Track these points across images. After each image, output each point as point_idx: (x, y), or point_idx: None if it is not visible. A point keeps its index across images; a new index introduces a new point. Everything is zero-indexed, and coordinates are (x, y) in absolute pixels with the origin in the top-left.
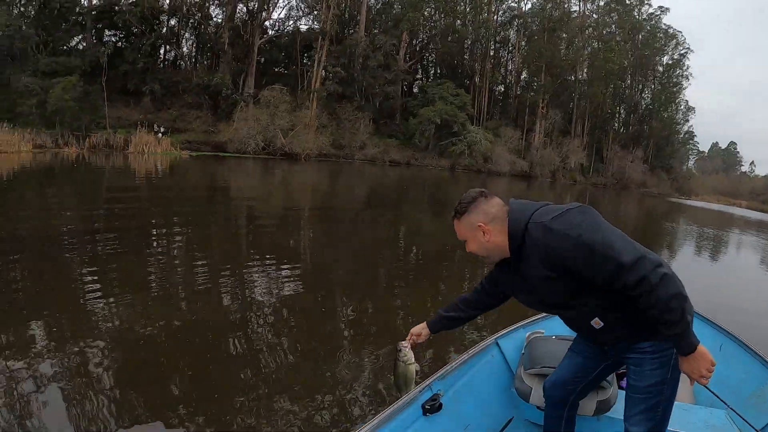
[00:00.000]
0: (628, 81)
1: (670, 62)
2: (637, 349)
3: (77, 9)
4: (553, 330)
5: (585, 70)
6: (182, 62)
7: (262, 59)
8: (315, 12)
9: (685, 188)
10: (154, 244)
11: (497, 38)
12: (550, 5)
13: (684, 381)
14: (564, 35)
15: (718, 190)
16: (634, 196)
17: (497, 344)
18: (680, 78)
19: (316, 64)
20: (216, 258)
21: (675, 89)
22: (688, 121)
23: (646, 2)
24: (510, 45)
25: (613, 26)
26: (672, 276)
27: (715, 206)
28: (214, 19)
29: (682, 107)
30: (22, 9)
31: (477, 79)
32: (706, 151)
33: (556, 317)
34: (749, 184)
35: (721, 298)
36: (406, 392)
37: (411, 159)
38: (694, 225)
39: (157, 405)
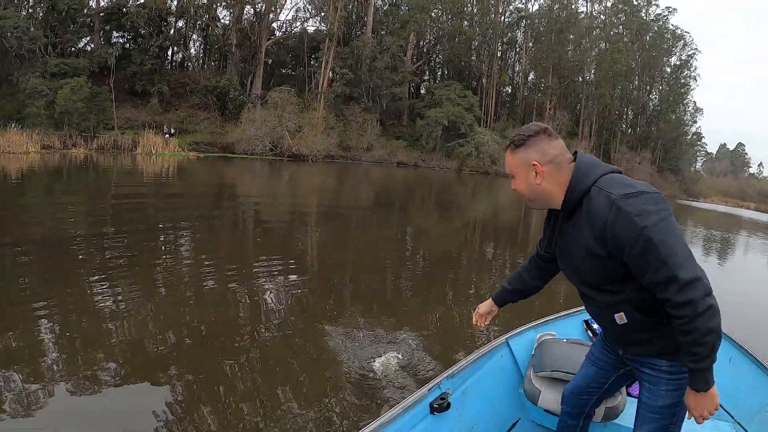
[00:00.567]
0: (636, 82)
1: (678, 63)
2: (653, 365)
3: (85, 11)
4: (564, 333)
5: (592, 71)
6: (190, 64)
7: (270, 61)
8: (322, 13)
9: (693, 190)
10: (163, 245)
11: (504, 39)
12: (557, 6)
13: None
14: (571, 36)
15: (726, 192)
16: None
17: (507, 344)
18: (688, 79)
19: (323, 66)
20: (224, 260)
21: (683, 90)
22: (696, 122)
23: (653, 3)
24: (517, 46)
25: (621, 27)
26: (717, 309)
27: (723, 208)
28: (222, 21)
29: (690, 108)
30: (30, 11)
31: (484, 81)
32: (714, 153)
33: (568, 319)
34: (757, 185)
35: (733, 307)
36: None
37: (418, 160)
38: (702, 227)
39: (167, 408)
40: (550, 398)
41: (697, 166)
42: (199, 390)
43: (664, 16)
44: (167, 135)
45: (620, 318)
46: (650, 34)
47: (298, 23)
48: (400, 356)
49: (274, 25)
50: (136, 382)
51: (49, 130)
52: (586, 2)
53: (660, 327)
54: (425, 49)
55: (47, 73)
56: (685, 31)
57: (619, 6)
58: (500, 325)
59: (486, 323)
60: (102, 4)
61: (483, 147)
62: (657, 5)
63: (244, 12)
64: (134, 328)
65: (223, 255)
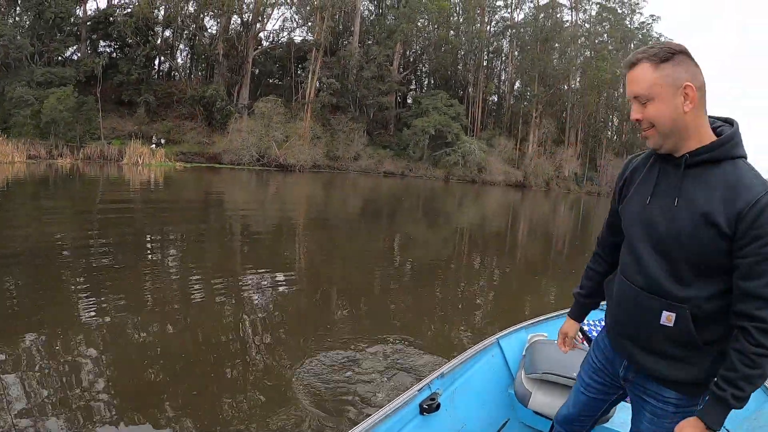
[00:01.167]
0: (621, 89)
1: None
2: (661, 396)
3: (72, 19)
4: (555, 334)
5: (578, 79)
6: (177, 73)
7: (257, 71)
8: (309, 23)
9: None
10: (149, 256)
11: (490, 49)
12: (542, 15)
13: None
14: (556, 45)
15: None
16: None
17: (498, 344)
18: None
19: (310, 76)
20: (211, 270)
21: None
22: None
23: (637, 11)
24: (503, 55)
25: (605, 35)
26: None
27: None
28: (209, 31)
29: None
30: (16, 19)
31: (470, 90)
32: None
33: (559, 320)
34: None
35: None
36: None
37: (405, 170)
38: None
39: (153, 419)
40: (541, 400)
41: None
42: (188, 409)
43: (648, 24)
44: (154, 145)
45: (668, 319)
46: (634, 42)
47: (285, 33)
48: (390, 358)
49: (261, 35)
50: (122, 395)
51: (35, 140)
52: (571, 11)
53: (699, 350)
54: (412, 59)
55: (33, 82)
56: (670, 39)
57: (604, 15)
58: (491, 325)
59: (572, 346)
60: (89, 12)
61: (470, 156)
62: (641, 13)
63: (231, 22)
64: (120, 343)
65: (211, 266)
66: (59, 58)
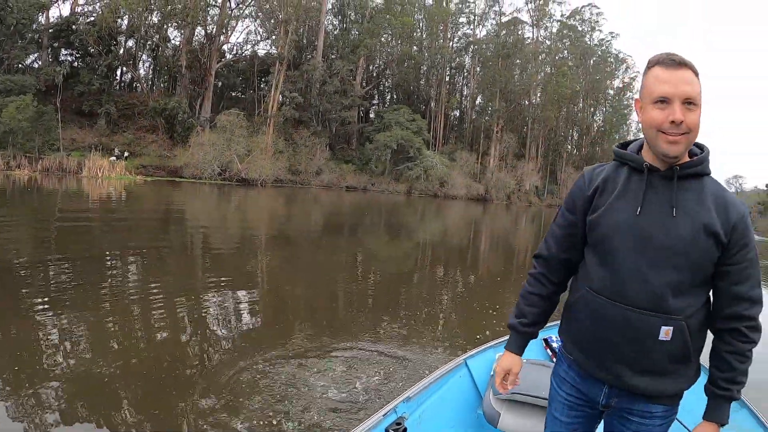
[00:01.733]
0: (581, 104)
1: (621, 86)
2: (647, 412)
3: (34, 26)
4: (526, 354)
5: (538, 95)
6: (138, 84)
7: (219, 83)
8: (273, 37)
9: None
10: (109, 273)
11: (453, 64)
12: (504, 32)
13: None
14: (518, 61)
15: None
16: None
17: (466, 364)
18: (630, 100)
19: (273, 89)
20: (173, 288)
21: (626, 111)
22: None
23: (597, 28)
24: (465, 71)
25: (566, 52)
26: None
27: None
28: (172, 42)
29: (633, 129)
30: None
31: (433, 105)
32: None
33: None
34: None
35: None
36: None
37: (367, 184)
38: None
39: None
40: (510, 421)
41: None
42: (145, 420)
43: (607, 41)
44: (114, 158)
45: (666, 334)
46: (594, 59)
47: (249, 46)
48: (355, 379)
49: (225, 47)
50: (80, 416)
51: None
52: (532, 28)
53: (690, 360)
54: (375, 74)
55: None
56: (628, 55)
57: (564, 32)
58: (458, 345)
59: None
60: (52, 20)
61: (431, 170)
62: (600, 31)
63: (195, 33)
64: (78, 362)
65: (172, 282)
66: (19, 65)
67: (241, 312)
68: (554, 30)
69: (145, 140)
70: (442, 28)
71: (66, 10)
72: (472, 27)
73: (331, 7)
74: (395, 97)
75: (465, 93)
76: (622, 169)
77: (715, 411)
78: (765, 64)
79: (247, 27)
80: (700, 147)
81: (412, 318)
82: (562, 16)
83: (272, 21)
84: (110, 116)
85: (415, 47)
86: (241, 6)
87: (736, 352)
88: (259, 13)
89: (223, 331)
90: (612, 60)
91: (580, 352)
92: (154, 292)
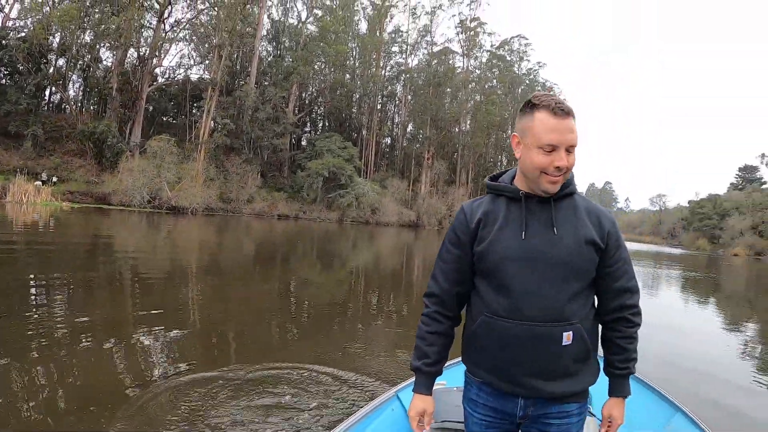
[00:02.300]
0: (509, 131)
1: None
2: (565, 412)
3: None
4: (455, 381)
5: (468, 122)
6: (68, 106)
7: (151, 107)
8: (206, 61)
9: None
10: (33, 304)
11: (385, 92)
12: (435, 61)
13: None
14: (448, 89)
15: None
16: None
17: (398, 397)
18: None
19: (205, 115)
20: (99, 317)
21: None
22: None
23: (525, 58)
24: (397, 99)
25: (495, 81)
26: None
27: None
28: (104, 63)
29: None
30: None
31: (364, 132)
32: (584, 192)
33: (458, 366)
34: (625, 218)
35: None
36: None
37: (299, 212)
38: None
39: None
40: None
41: None
42: None
43: (535, 70)
44: (40, 182)
45: (567, 338)
46: (522, 87)
47: (182, 70)
48: (282, 413)
49: (157, 70)
50: None
51: None
52: (463, 58)
53: (590, 358)
54: (307, 101)
55: None
56: (554, 83)
57: (494, 62)
58: (391, 375)
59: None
60: None
61: (363, 197)
62: (528, 60)
63: (128, 55)
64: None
65: (99, 313)
66: None
67: (172, 344)
68: (484, 60)
69: (73, 165)
70: (374, 56)
71: None
72: (404, 56)
73: (266, 33)
74: (327, 124)
75: (396, 121)
76: (500, 200)
77: (619, 387)
78: (717, 83)
79: (180, 50)
80: None
81: (344, 349)
82: (491, 46)
83: (206, 45)
84: (37, 138)
85: (348, 75)
86: (175, 29)
87: (626, 336)
88: (194, 37)
89: (152, 363)
90: (539, 88)
91: (490, 374)
92: (79, 324)
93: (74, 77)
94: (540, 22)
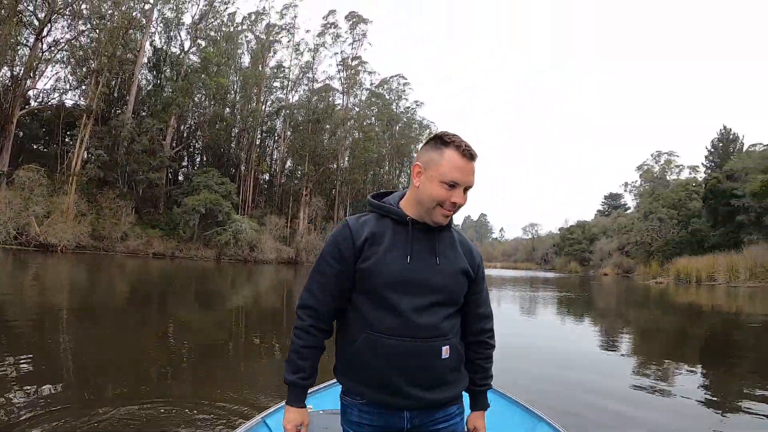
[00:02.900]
0: (386, 167)
1: None
2: (448, 414)
3: None
4: (320, 405)
5: (346, 158)
6: None
7: (21, 133)
8: (83, 87)
9: None
10: None
11: (264, 128)
12: (316, 98)
13: None
14: (327, 126)
15: None
16: None
17: (265, 423)
18: None
19: (78, 144)
20: None
21: None
22: None
23: (403, 97)
24: (276, 134)
25: (373, 118)
26: None
27: None
28: None
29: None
30: None
31: (243, 168)
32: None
33: (326, 392)
34: (500, 247)
35: None
36: None
37: (175, 250)
38: None
39: None
40: None
41: None
42: None
43: (413, 108)
44: None
45: (446, 351)
46: (400, 125)
47: (56, 94)
48: None
49: (31, 92)
50: None
51: None
52: (343, 95)
53: (461, 365)
54: (185, 134)
55: None
56: (431, 121)
57: (373, 100)
58: (253, 403)
59: None
60: None
61: (241, 234)
62: (406, 99)
63: (0, 73)
64: None
65: None
66: None
67: (43, 392)
68: (363, 98)
69: None
70: (256, 91)
71: None
72: (285, 92)
73: (146, 60)
74: (205, 159)
75: (275, 156)
76: (386, 220)
77: (480, 402)
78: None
79: (56, 73)
80: None
81: (220, 384)
82: (371, 84)
83: (84, 69)
84: None
85: (228, 109)
86: (53, 49)
87: (485, 357)
88: (71, 59)
89: (16, 409)
90: (416, 126)
91: (377, 391)
92: None
93: None
94: (478, 40)
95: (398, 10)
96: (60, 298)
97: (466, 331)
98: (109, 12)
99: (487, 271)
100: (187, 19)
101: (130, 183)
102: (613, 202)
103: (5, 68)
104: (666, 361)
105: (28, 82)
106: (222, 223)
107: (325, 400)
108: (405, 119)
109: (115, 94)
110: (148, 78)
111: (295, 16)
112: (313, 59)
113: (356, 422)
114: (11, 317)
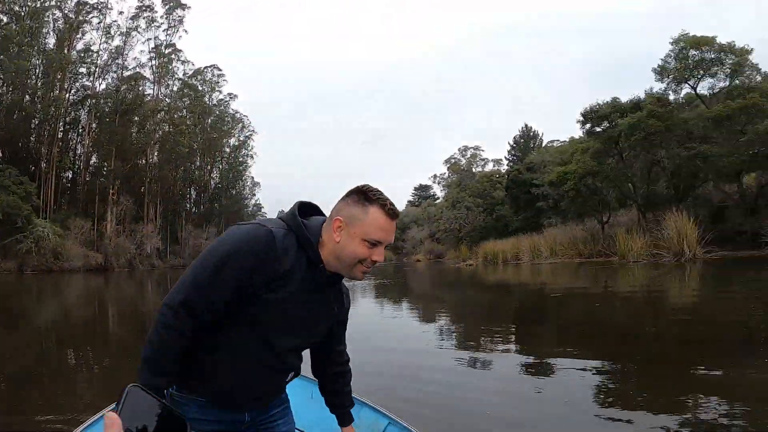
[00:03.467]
0: (198, 162)
1: (237, 143)
2: (279, 402)
3: None
4: None
5: (156, 153)
6: None
7: None
8: None
9: None
10: None
11: (67, 119)
12: (125, 87)
13: None
14: (136, 118)
15: None
16: None
17: None
18: (246, 157)
19: None
20: None
21: (241, 168)
22: (255, 195)
23: (217, 89)
24: (80, 127)
25: (185, 110)
26: None
27: None
28: None
29: (248, 183)
30: None
31: (44, 165)
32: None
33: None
34: None
35: None
36: None
37: None
38: None
39: None
40: None
41: None
42: None
43: (226, 101)
44: None
45: (291, 376)
46: (212, 118)
47: None
48: None
49: None
50: None
51: None
52: (154, 85)
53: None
54: None
55: None
56: (244, 115)
57: (185, 90)
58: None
59: None
60: None
61: (43, 241)
62: (220, 91)
63: None
64: None
65: None
66: None
67: None
68: (175, 88)
69: None
70: (60, 76)
71: None
72: (92, 79)
73: None
74: (1, 155)
75: (79, 152)
76: (302, 254)
77: (347, 419)
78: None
79: None
80: None
81: (39, 412)
82: (184, 74)
83: None
84: None
85: (27, 96)
86: None
87: (347, 383)
88: None
89: None
90: (229, 119)
91: (224, 398)
92: None
93: None
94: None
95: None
96: None
97: (330, 363)
98: None
99: None
100: None
101: None
102: (423, 193)
103: None
104: (483, 335)
105: None
106: (22, 230)
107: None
108: (218, 112)
109: None
110: None
111: None
112: (125, 44)
113: (198, 419)
114: None
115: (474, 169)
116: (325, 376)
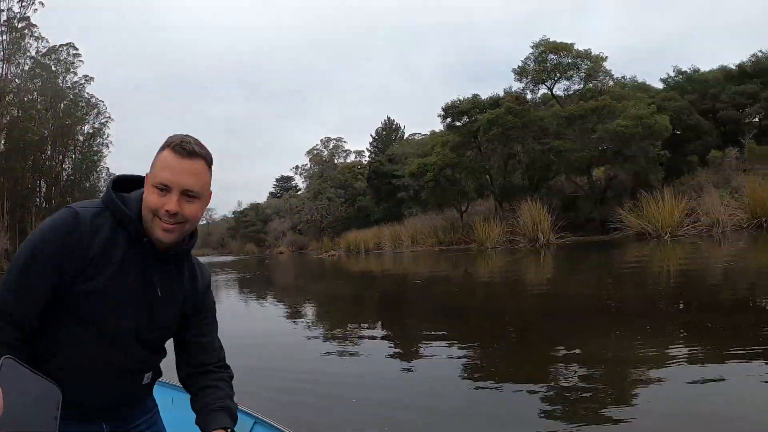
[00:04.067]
0: (49, 152)
1: (91, 131)
2: (147, 408)
3: None
4: None
5: (2, 142)
6: None
7: None
8: None
9: None
10: None
11: None
12: None
13: None
14: None
15: None
16: None
17: None
18: (101, 146)
19: None
20: None
21: (96, 158)
22: None
23: (72, 70)
24: None
25: (36, 93)
26: None
27: None
28: None
29: (104, 175)
30: None
31: None
32: None
33: None
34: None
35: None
36: None
37: None
38: None
39: None
40: None
41: None
42: None
43: (81, 84)
44: None
45: (148, 377)
46: (65, 102)
47: None
48: None
49: None
50: None
51: None
52: (2, 63)
53: (155, 381)
54: None
55: None
56: (100, 100)
57: (37, 71)
58: None
59: None
60: None
61: None
62: (75, 73)
63: None
64: None
65: None
66: None
67: None
68: (26, 68)
69: None
70: None
71: None
72: None
73: None
74: None
75: None
76: (120, 232)
77: (221, 422)
78: None
79: None
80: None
81: None
82: (37, 53)
83: None
84: None
85: None
86: None
87: (227, 379)
88: None
89: None
90: (84, 104)
91: (76, 408)
92: None
93: None
94: None
95: None
96: None
97: (198, 362)
98: None
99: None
100: None
101: None
102: (284, 184)
103: None
104: (350, 324)
105: None
106: None
107: None
108: (71, 96)
109: None
110: None
111: None
112: None
113: None
114: None
115: (336, 161)
116: (192, 385)
